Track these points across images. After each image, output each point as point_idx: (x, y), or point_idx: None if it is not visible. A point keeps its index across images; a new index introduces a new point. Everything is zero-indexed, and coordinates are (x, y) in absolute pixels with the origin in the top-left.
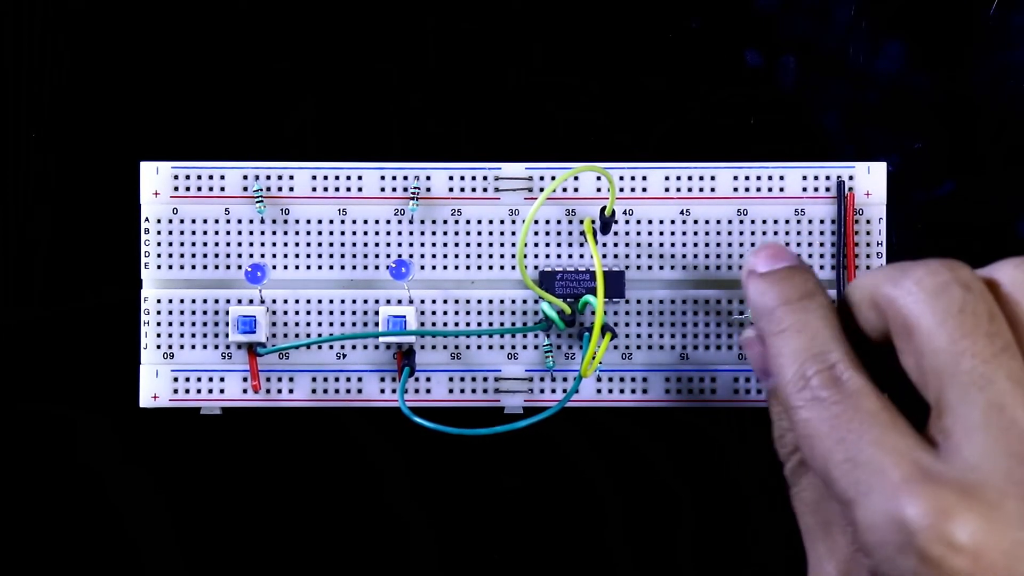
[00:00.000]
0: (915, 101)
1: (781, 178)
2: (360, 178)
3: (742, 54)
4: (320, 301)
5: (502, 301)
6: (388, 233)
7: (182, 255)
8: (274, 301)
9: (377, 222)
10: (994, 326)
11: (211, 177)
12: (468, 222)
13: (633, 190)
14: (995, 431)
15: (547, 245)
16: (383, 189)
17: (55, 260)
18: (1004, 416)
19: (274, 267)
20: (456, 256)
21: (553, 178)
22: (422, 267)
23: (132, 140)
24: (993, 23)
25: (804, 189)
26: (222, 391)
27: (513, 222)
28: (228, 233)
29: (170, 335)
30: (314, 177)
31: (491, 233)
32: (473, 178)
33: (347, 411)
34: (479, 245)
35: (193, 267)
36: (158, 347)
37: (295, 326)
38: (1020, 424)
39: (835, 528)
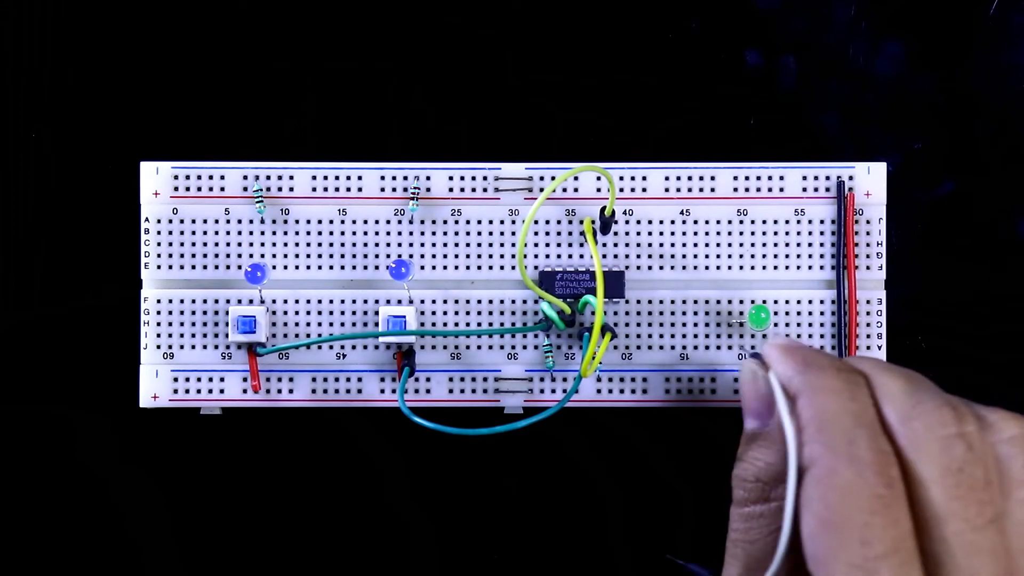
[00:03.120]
0: (915, 101)
1: (781, 178)
2: (360, 178)
3: (742, 54)
4: (320, 301)
5: (502, 301)
6: (388, 233)
7: (182, 255)
8: (274, 301)
9: (377, 222)
10: (987, 493)
11: (211, 177)
12: (468, 222)
13: (633, 190)
14: None
15: (547, 245)
16: (383, 189)
17: (55, 260)
18: None
19: (274, 267)
20: (456, 256)
21: (553, 178)
22: (422, 267)
23: (132, 140)
24: (993, 23)
25: (804, 189)
26: (222, 391)
27: (513, 222)
28: (228, 233)
29: (170, 335)
30: (314, 177)
31: (491, 233)
32: (473, 178)
33: (347, 411)
34: (479, 245)
35: (193, 267)
36: (158, 347)
37: (295, 326)
38: None
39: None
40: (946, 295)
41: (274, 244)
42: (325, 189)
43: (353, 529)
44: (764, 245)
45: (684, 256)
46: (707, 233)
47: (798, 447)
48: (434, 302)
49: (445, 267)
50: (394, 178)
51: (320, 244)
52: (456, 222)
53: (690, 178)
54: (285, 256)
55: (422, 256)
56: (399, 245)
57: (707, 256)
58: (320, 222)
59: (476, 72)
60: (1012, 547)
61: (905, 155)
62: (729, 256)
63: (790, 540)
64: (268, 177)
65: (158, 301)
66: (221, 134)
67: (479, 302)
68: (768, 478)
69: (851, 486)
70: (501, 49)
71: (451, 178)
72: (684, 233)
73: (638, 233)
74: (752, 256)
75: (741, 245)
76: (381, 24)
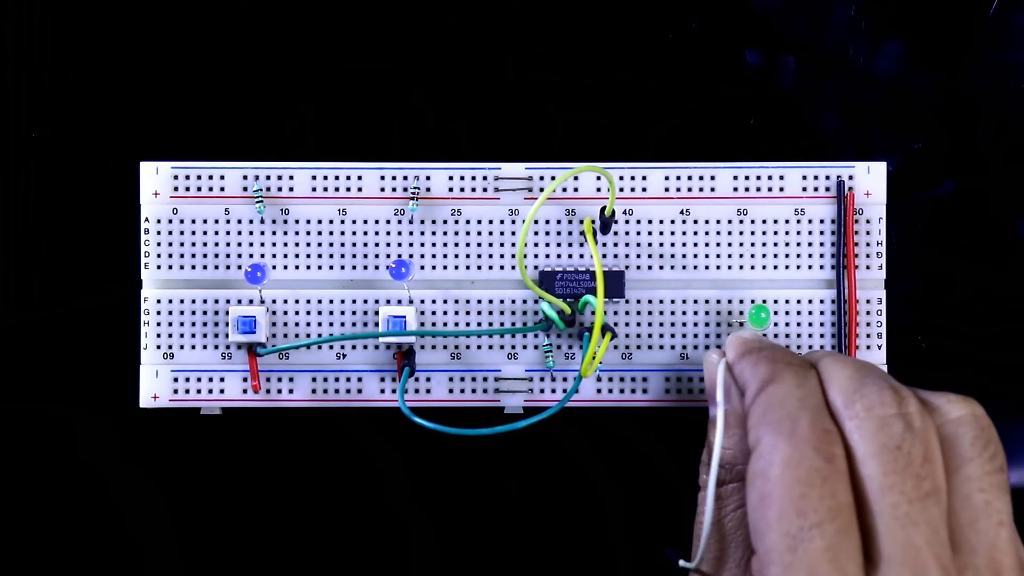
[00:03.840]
0: (915, 101)
1: (781, 178)
2: (360, 178)
3: (742, 54)
4: (320, 301)
5: (502, 301)
6: (388, 233)
7: (182, 255)
8: (274, 301)
9: (377, 222)
10: (926, 469)
11: (211, 177)
12: (468, 222)
13: (633, 190)
14: (909, 572)
15: (547, 245)
16: (383, 189)
17: (55, 260)
18: (919, 560)
19: (274, 267)
20: (456, 256)
21: (553, 178)
22: (422, 267)
23: (132, 140)
24: (993, 23)
25: (804, 189)
26: (222, 391)
27: (513, 222)
28: (228, 233)
29: (170, 335)
30: (314, 177)
31: (491, 233)
32: (473, 178)
33: (347, 411)
34: (479, 245)
35: (193, 267)
36: (158, 347)
37: (295, 326)
38: (930, 572)
39: (729, 555)
40: (946, 295)
41: (274, 244)
42: (325, 189)
43: (353, 529)
44: (764, 245)
45: (684, 256)
46: (707, 233)
47: (724, 430)
48: (434, 302)
49: (445, 267)
50: (394, 178)
51: (320, 244)
52: (456, 222)
53: (690, 178)
54: (285, 256)
55: (422, 256)
56: (399, 245)
57: (707, 256)
58: (320, 222)
59: (476, 72)
60: (960, 521)
61: (905, 155)
62: (729, 256)
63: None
64: (268, 177)
65: (158, 301)
66: (221, 134)
67: (479, 302)
68: (725, 461)
69: (790, 460)
70: (501, 49)
71: (451, 178)
72: (684, 233)
73: (638, 233)
74: (752, 256)
75: (741, 245)
76: (381, 24)
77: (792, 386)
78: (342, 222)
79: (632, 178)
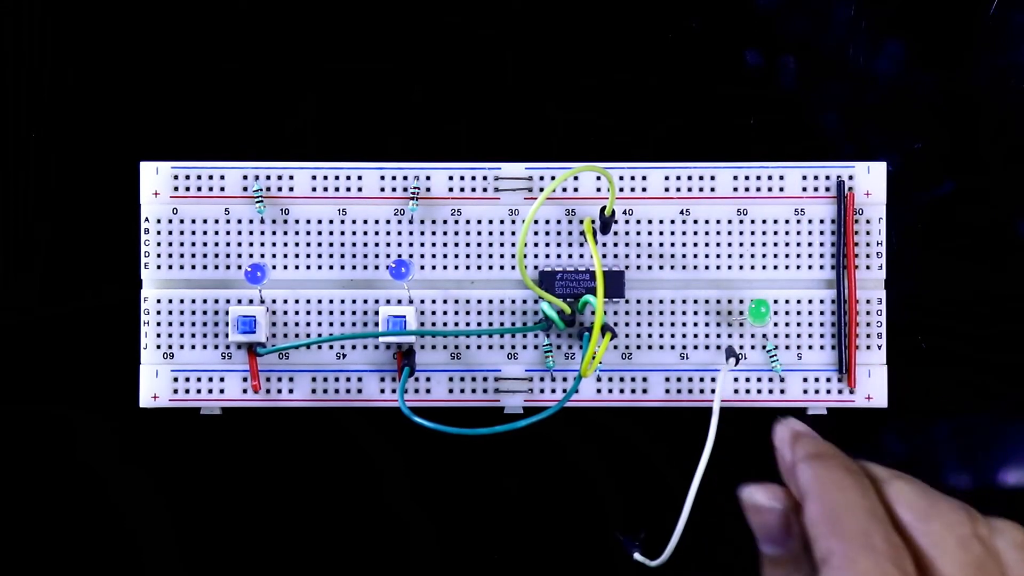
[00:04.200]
0: (915, 101)
1: (781, 178)
2: (360, 178)
3: (742, 54)
4: (320, 301)
5: (502, 301)
6: (388, 233)
7: (182, 255)
8: (274, 301)
9: (377, 222)
10: None
11: (211, 177)
12: (468, 222)
13: (633, 190)
14: None
15: (547, 245)
16: (383, 189)
17: (55, 260)
18: None
19: (274, 267)
20: (456, 256)
21: (553, 178)
22: (422, 267)
23: (132, 140)
24: (993, 23)
25: (804, 189)
26: (222, 391)
27: (513, 222)
28: (228, 233)
29: (170, 335)
30: (314, 177)
31: (491, 233)
32: (473, 178)
33: (347, 411)
34: (479, 245)
35: (193, 267)
36: (158, 347)
37: (295, 326)
38: None
39: None
40: (946, 295)
41: (274, 244)
42: (325, 189)
43: (353, 529)
44: (764, 245)
45: (684, 256)
46: (707, 233)
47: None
48: (434, 302)
49: (445, 267)
50: (394, 178)
51: (320, 244)
52: (456, 222)
53: (690, 178)
54: (285, 256)
55: (422, 256)
56: (399, 245)
57: (707, 256)
58: (320, 222)
59: (476, 72)
60: None
61: (905, 155)
62: (729, 256)
63: None
64: (268, 177)
65: (158, 301)
66: (221, 134)
67: (479, 302)
68: (780, 561)
69: (870, 573)
70: (501, 49)
71: (451, 178)
72: (684, 233)
73: (638, 233)
74: (752, 256)
75: (741, 245)
76: (381, 24)
77: (858, 495)
78: (342, 222)
79: (632, 178)
